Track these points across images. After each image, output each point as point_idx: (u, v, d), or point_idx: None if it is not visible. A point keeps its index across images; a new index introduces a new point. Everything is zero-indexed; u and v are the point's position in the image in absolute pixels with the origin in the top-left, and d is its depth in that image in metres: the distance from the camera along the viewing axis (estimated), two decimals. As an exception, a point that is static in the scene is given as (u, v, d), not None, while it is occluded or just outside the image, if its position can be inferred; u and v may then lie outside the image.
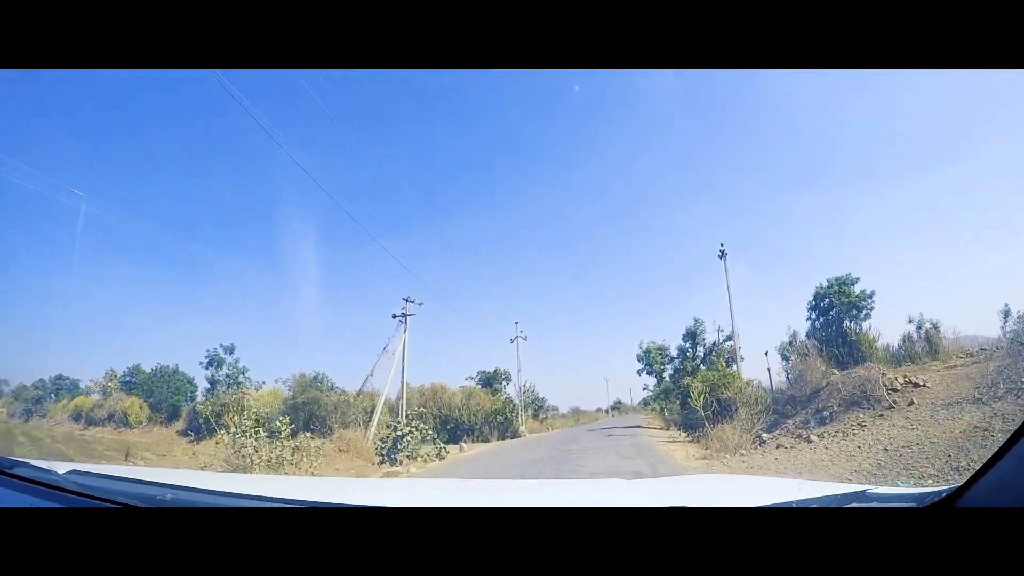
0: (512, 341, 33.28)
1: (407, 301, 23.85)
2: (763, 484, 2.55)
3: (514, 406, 29.87)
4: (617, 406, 65.33)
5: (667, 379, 27.32)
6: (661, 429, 25.36)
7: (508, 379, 31.90)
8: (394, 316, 24.15)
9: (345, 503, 1.59)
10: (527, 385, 35.27)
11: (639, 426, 27.94)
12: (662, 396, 48.32)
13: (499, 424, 28.30)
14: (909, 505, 1.35)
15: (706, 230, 54.01)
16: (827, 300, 22.11)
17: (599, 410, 58.40)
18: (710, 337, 25.85)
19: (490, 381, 31.42)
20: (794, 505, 1.39)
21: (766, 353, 24.44)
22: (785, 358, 21.06)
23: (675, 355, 26.96)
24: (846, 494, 1.48)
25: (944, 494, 1.26)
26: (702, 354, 25.84)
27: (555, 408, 45.99)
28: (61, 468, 1.54)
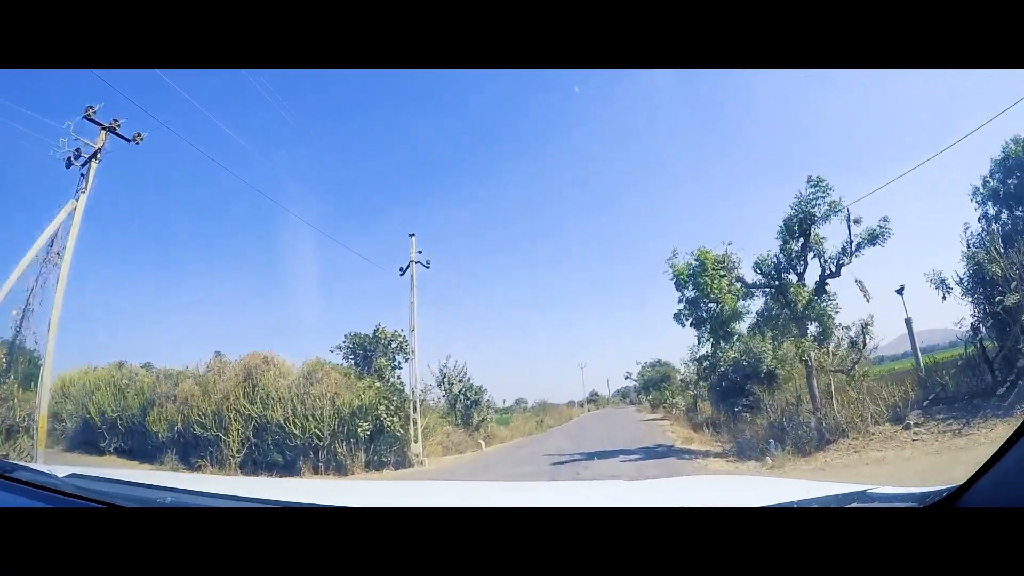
0: (403, 272, 15.98)
1: (95, 122, 8.84)
2: (764, 484, 2.50)
3: (403, 400, 14.54)
4: (594, 398, 54.78)
5: (744, 332, 11.68)
6: (736, 460, 10.48)
7: (403, 350, 16.56)
8: (69, 165, 9.11)
9: (334, 504, 1.64)
10: (450, 365, 19.66)
11: (668, 449, 13.10)
12: (663, 383, 32.70)
13: (370, 437, 13.41)
14: (910, 505, 1.36)
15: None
16: (1018, 176, 11.90)
17: (572, 403, 46.40)
18: (833, 237, 10.59)
19: (366, 352, 16.07)
20: (795, 505, 1.40)
21: (899, 290, 13.88)
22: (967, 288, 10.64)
23: (760, 279, 11.46)
24: (847, 494, 1.46)
25: (945, 494, 1.27)
26: (821, 270, 10.43)
27: (523, 401, 32.00)
28: (61, 472, 1.57)
